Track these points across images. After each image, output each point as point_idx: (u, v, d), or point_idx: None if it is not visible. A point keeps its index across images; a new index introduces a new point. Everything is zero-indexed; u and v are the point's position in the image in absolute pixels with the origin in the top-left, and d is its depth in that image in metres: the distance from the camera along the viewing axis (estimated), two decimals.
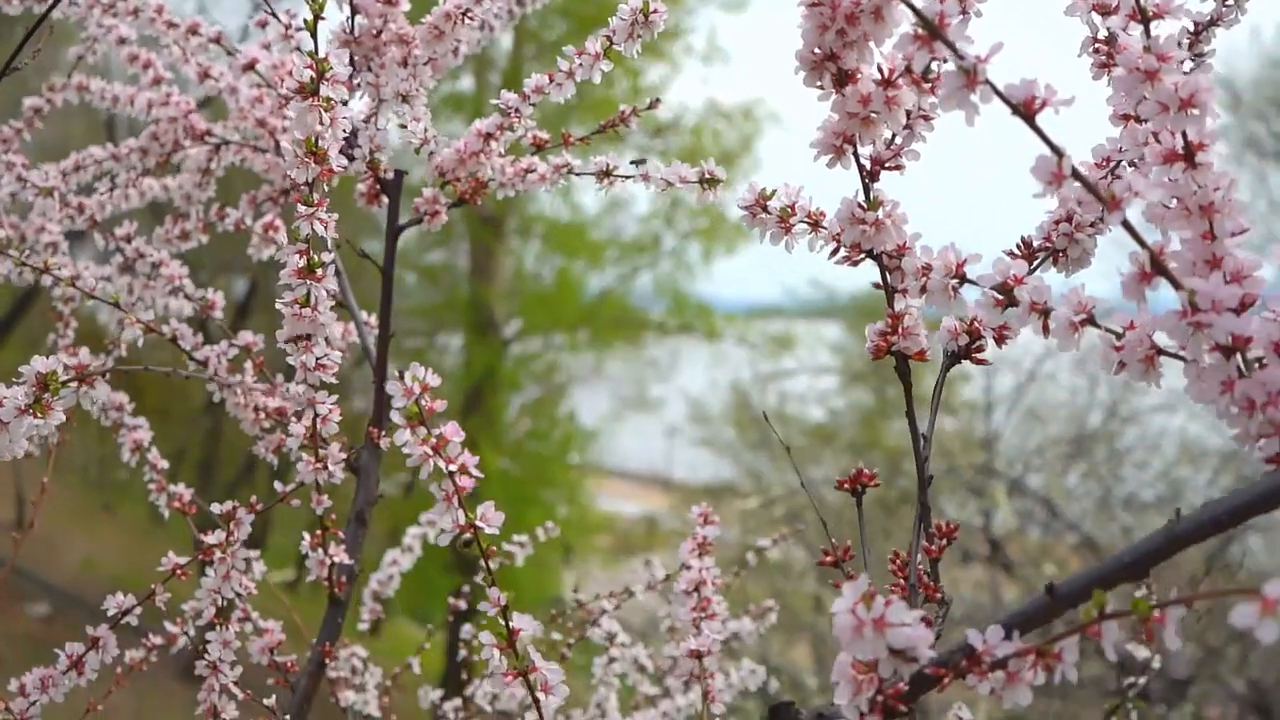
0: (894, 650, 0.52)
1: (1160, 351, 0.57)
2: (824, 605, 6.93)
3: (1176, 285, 0.53)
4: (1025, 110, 0.53)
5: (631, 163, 0.99)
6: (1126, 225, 0.53)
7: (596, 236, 11.99)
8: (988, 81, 0.52)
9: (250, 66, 1.10)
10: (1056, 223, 0.71)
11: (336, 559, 1.00)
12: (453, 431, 0.65)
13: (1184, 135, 0.56)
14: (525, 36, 9.30)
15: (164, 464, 1.13)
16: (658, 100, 1.05)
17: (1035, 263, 0.71)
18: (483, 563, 0.66)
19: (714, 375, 10.68)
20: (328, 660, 1.02)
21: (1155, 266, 0.54)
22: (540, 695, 0.67)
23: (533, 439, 11.47)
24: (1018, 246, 0.72)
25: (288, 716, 0.97)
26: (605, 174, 0.99)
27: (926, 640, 0.53)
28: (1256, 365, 0.55)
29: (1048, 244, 0.71)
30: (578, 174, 1.01)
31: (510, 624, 0.67)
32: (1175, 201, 0.57)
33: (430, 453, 0.64)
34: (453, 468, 0.64)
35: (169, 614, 1.06)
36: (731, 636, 1.48)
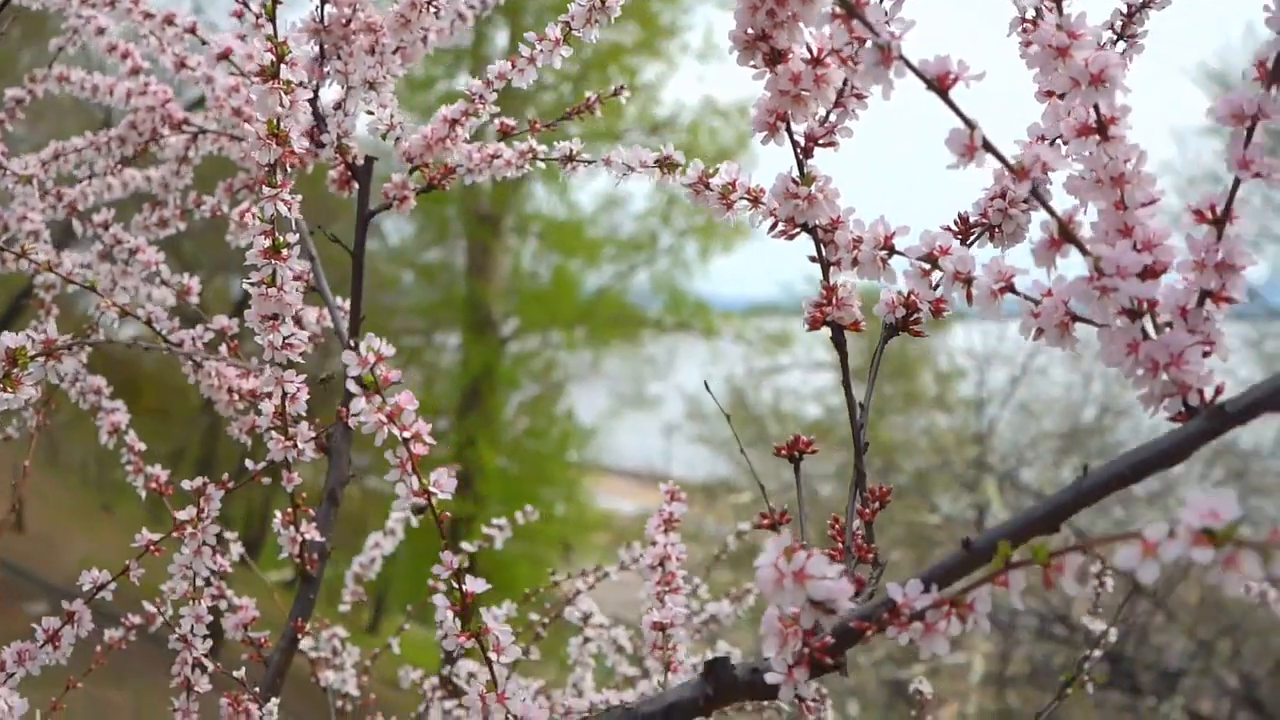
0: (814, 602, 0.55)
1: (1075, 318, 0.59)
2: None
3: (1084, 251, 0.56)
4: (939, 85, 0.55)
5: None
6: (1035, 193, 0.55)
7: (593, 234, 12.02)
8: (902, 58, 0.55)
9: (225, 56, 1.12)
10: (991, 199, 0.74)
11: (308, 536, 1.02)
12: (407, 400, 0.68)
13: (1096, 109, 0.58)
14: (521, 33, 9.31)
15: (141, 446, 1.15)
16: (623, 87, 1.08)
17: (971, 237, 0.74)
18: (438, 528, 0.68)
19: (710, 371, 10.70)
20: (300, 635, 1.05)
21: (1064, 234, 0.57)
22: (492, 656, 0.70)
23: (531, 437, 11.49)
24: (954, 222, 0.74)
25: (258, 689, 0.99)
26: (569, 159, 1.01)
27: (846, 593, 0.55)
28: (1167, 330, 0.57)
29: (983, 220, 0.74)
30: (542, 159, 1.03)
31: (464, 588, 0.70)
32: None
33: (385, 420, 0.67)
34: (407, 434, 0.67)
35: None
36: (710, 619, 1.50)
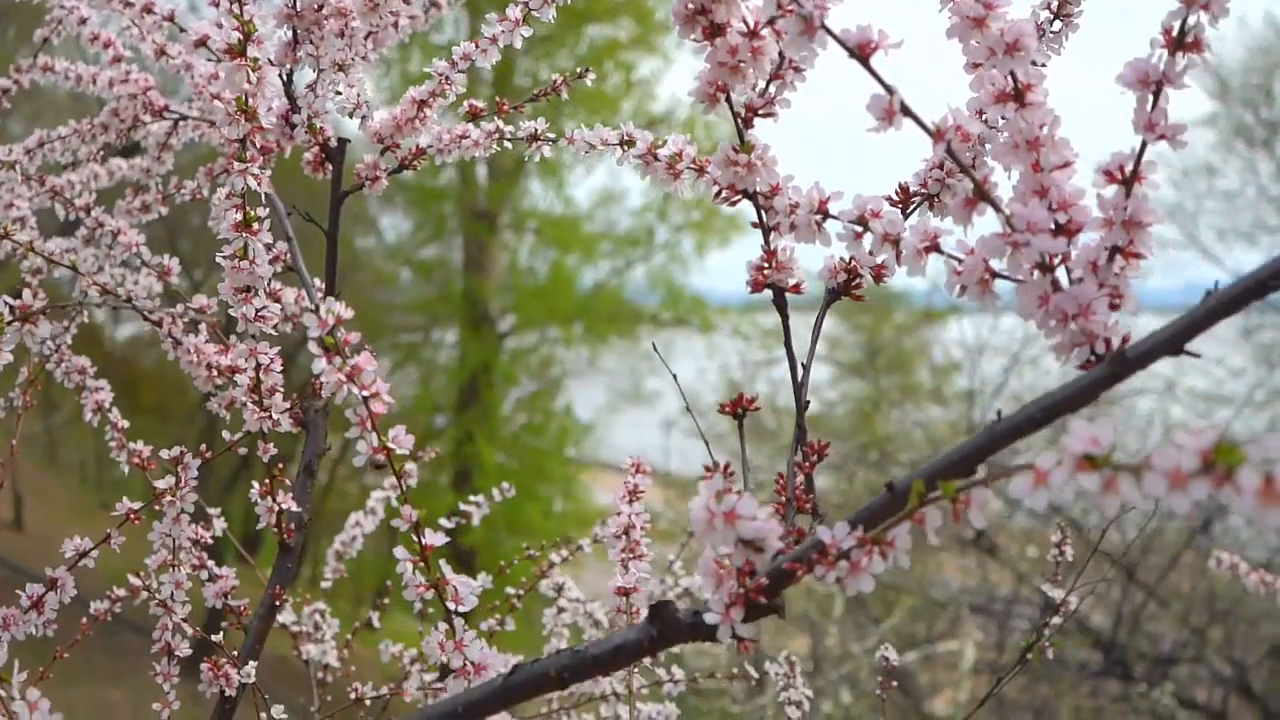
0: (744, 540, 0.58)
1: (994, 274, 0.62)
2: (816, 598, 6.99)
3: (998, 209, 0.59)
4: (860, 53, 0.58)
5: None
6: (950, 153, 0.59)
7: (590, 230, 12.05)
8: (824, 27, 0.58)
9: (202, 43, 1.15)
10: (930, 169, 0.77)
11: (285, 506, 1.05)
12: (366, 361, 0.71)
13: (1013, 76, 0.61)
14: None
15: (124, 424, 1.18)
16: (588, 70, 1.11)
17: (911, 206, 0.77)
18: (395, 480, 0.72)
19: (705, 366, 10.74)
20: (278, 603, 1.08)
21: (979, 193, 0.60)
22: (451, 605, 0.73)
23: (529, 433, 11.52)
24: (895, 191, 0.77)
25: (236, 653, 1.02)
26: (534, 138, 1.04)
27: (774, 532, 0.58)
28: (1078, 284, 0.60)
29: (923, 189, 0.77)
30: (509, 139, 1.06)
31: (423, 540, 0.73)
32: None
33: (345, 379, 0.70)
34: (366, 393, 0.70)
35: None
36: (684, 593, 1.54)
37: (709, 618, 0.62)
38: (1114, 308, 0.59)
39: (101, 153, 1.29)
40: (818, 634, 6.26)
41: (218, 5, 1.14)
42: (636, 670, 1.28)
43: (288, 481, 1.05)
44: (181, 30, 1.17)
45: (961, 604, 5.99)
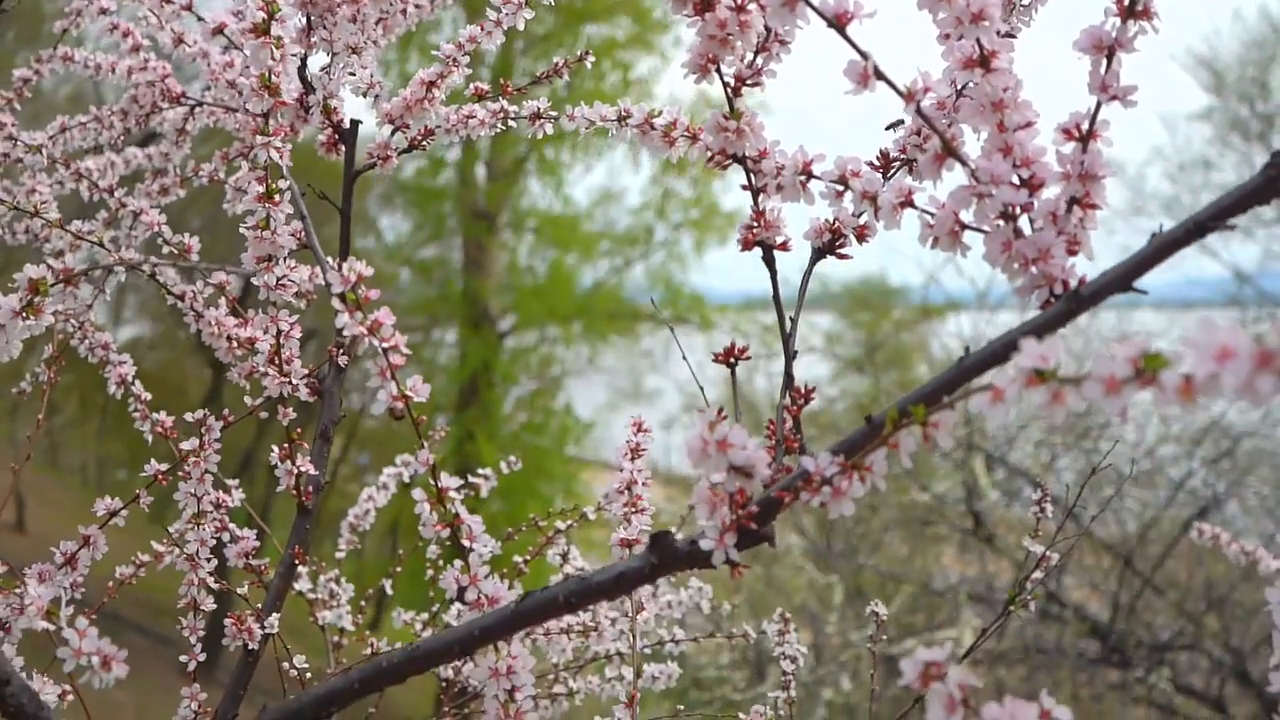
0: (734, 467, 0.64)
1: (963, 225, 0.68)
2: (816, 589, 7.05)
3: (964, 164, 0.65)
4: (837, 22, 0.64)
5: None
6: (919, 113, 0.64)
7: (589, 229, 12.10)
8: (807, 0, 0.64)
9: (219, 30, 1.20)
10: (909, 135, 0.82)
11: (303, 469, 1.11)
12: (385, 315, 0.76)
13: (979, 44, 0.67)
14: (514, 30, 9.41)
15: (147, 395, 1.24)
16: (587, 53, 1.16)
17: (891, 170, 0.82)
18: (415, 430, 0.77)
19: (703, 362, 10.76)
20: (297, 562, 1.13)
21: (946, 149, 0.65)
22: (466, 543, 0.78)
23: (529, 432, 11.57)
24: (876, 157, 0.83)
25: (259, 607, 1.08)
26: (536, 116, 1.10)
27: (763, 460, 0.64)
28: (1040, 232, 0.66)
29: (903, 154, 0.82)
30: (513, 118, 1.12)
31: (440, 483, 0.78)
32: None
33: (366, 332, 0.75)
34: (386, 345, 0.76)
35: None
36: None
37: (704, 544, 0.67)
38: (1072, 253, 0.65)
39: (121, 139, 1.34)
40: (818, 625, 6.31)
41: None
42: (640, 632, 1.33)
43: (306, 445, 1.10)
44: (199, 19, 1.23)
45: (960, 593, 6.04)
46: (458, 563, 0.79)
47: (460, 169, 11.19)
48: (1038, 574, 1.16)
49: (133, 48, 1.34)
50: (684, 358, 1.16)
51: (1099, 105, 0.65)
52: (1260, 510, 7.07)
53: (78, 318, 1.26)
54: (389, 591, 1.57)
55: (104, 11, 1.34)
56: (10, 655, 0.98)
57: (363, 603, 1.52)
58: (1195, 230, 0.58)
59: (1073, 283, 0.64)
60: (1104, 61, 0.65)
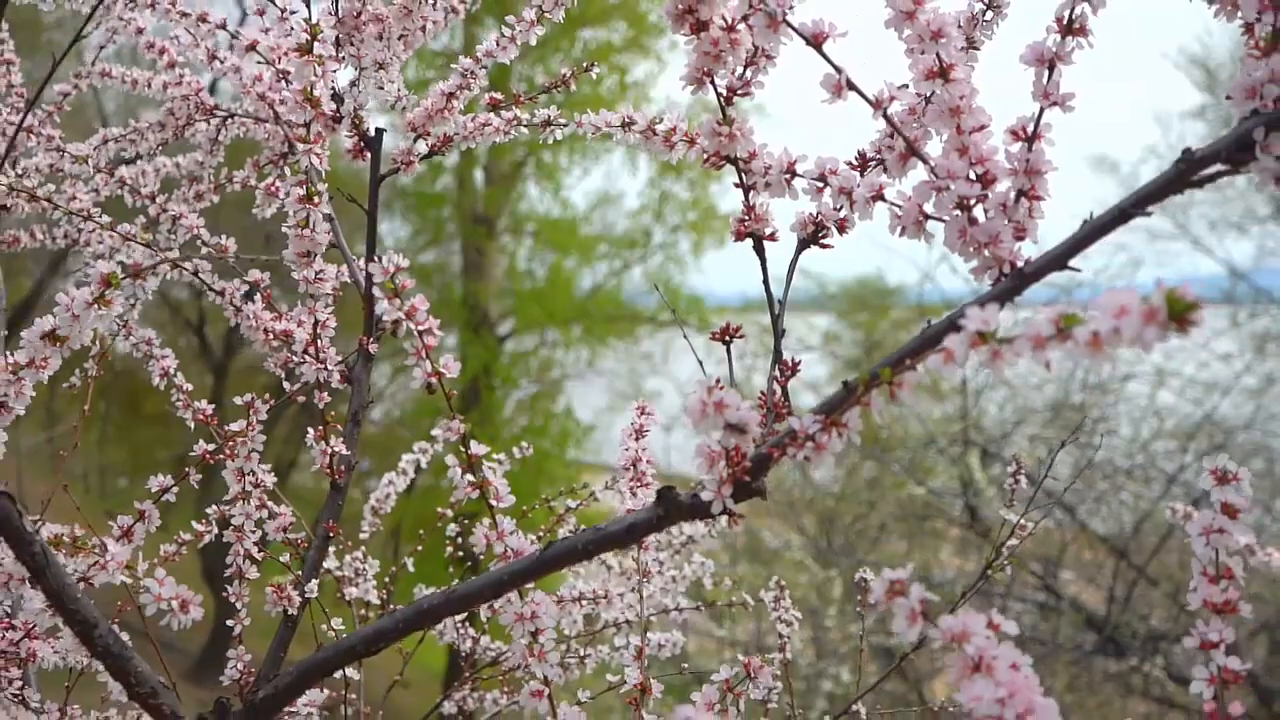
0: (730, 425, 0.74)
1: (926, 215, 0.78)
2: (816, 583, 7.14)
3: (924, 161, 0.75)
4: (815, 41, 0.74)
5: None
6: (886, 118, 0.74)
7: (587, 232, 12.20)
8: (786, 21, 0.74)
9: (251, 47, 1.31)
10: (883, 137, 0.92)
11: (337, 450, 1.21)
12: (420, 301, 0.87)
13: (939, 57, 0.77)
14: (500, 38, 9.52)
15: (189, 386, 1.34)
16: (592, 64, 1.26)
17: (867, 169, 0.92)
18: (444, 402, 0.87)
19: (706, 363, 10.85)
20: (331, 535, 1.23)
21: (909, 150, 0.76)
22: (493, 502, 0.89)
23: (530, 435, 11.66)
24: (855, 157, 0.93)
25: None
26: (546, 123, 1.20)
27: (754, 419, 0.74)
28: (990, 220, 0.76)
29: (877, 154, 0.92)
30: (525, 125, 1.22)
31: (469, 450, 0.89)
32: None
33: (404, 316, 0.85)
34: (422, 327, 0.86)
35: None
36: (688, 540, 1.69)
37: (705, 495, 0.77)
38: (1019, 238, 0.75)
39: (159, 149, 1.45)
40: (818, 619, 6.41)
41: (263, 14, 1.30)
42: (646, 600, 1.43)
43: (340, 428, 1.20)
44: (234, 36, 1.33)
45: (957, 586, 6.14)
46: (486, 520, 0.89)
47: (458, 174, 11.30)
48: (1013, 541, 1.26)
49: (169, 64, 1.45)
50: (692, 350, 1.26)
51: (1041, 111, 0.76)
52: (1253, 502, 7.16)
53: (121, 316, 1.36)
54: (410, 569, 1.67)
55: (140, 31, 1.44)
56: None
57: (386, 579, 1.62)
58: (1120, 216, 0.69)
59: (1020, 263, 0.74)
60: (1046, 72, 0.75)
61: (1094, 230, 0.69)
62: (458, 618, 1.59)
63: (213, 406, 1.30)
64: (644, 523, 0.81)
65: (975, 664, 0.61)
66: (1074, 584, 6.75)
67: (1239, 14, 0.70)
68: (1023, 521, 1.29)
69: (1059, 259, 0.70)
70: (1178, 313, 0.49)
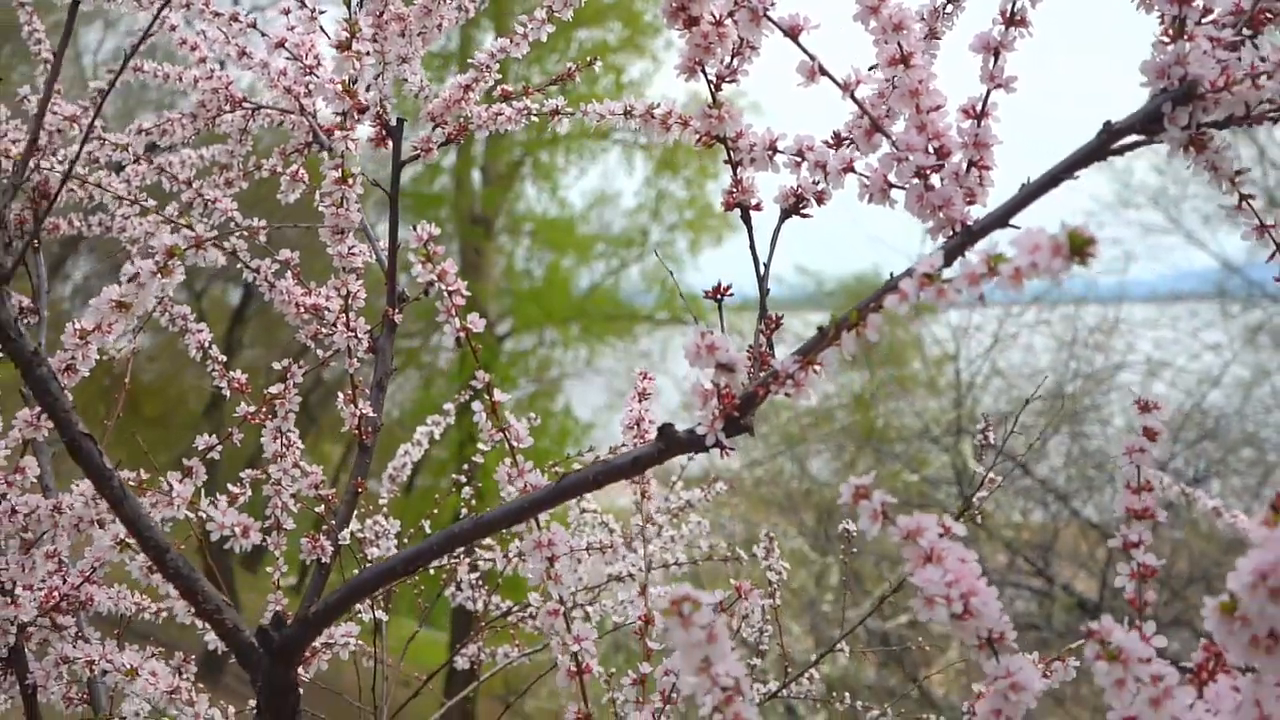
0: (721, 364, 0.85)
1: (890, 184, 0.90)
2: (813, 571, 7.26)
3: (887, 136, 0.86)
4: (791, 33, 0.86)
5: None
6: (854, 99, 0.86)
7: (584, 232, 12.32)
8: (767, 15, 0.85)
9: (280, 44, 1.42)
10: (856, 118, 1.04)
11: (364, 412, 1.32)
12: (450, 265, 0.98)
13: (900, 46, 0.89)
14: (510, 33, 9.66)
15: (223, 357, 1.45)
16: (595, 59, 1.38)
17: (840, 147, 1.04)
18: (470, 352, 0.99)
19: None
20: (359, 491, 1.35)
21: (873, 126, 0.87)
22: (514, 443, 1.00)
23: (529, 434, 11.76)
24: (831, 136, 1.05)
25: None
26: (555, 113, 1.32)
27: (742, 360, 0.85)
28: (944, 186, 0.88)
29: (849, 134, 1.04)
30: (534, 115, 1.34)
31: (493, 397, 1.00)
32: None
33: (435, 279, 0.97)
34: (452, 288, 0.97)
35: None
36: (685, 504, 1.81)
37: (699, 429, 0.89)
38: (970, 203, 0.86)
39: (192, 138, 1.56)
40: (816, 606, 6.53)
41: (288, 13, 1.42)
42: (650, 557, 1.55)
43: (367, 391, 1.32)
44: (263, 35, 1.44)
45: None
46: (507, 460, 1.00)
47: (456, 175, 11.42)
48: (983, 493, 1.38)
49: (200, 60, 1.56)
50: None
51: (989, 92, 0.87)
52: (1242, 489, 7.31)
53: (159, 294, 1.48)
54: (428, 531, 1.79)
55: (174, 28, 1.56)
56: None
57: (405, 539, 1.73)
58: (1051, 180, 0.80)
59: (970, 223, 0.85)
60: (992, 58, 0.87)
61: (1030, 193, 0.81)
62: (472, 575, 1.71)
63: (245, 376, 1.41)
64: (647, 455, 0.92)
65: (927, 556, 0.73)
66: (1067, 569, 6.88)
67: (1155, 7, 0.82)
68: (991, 475, 1.40)
69: (1001, 219, 0.82)
70: (1078, 246, 0.61)
